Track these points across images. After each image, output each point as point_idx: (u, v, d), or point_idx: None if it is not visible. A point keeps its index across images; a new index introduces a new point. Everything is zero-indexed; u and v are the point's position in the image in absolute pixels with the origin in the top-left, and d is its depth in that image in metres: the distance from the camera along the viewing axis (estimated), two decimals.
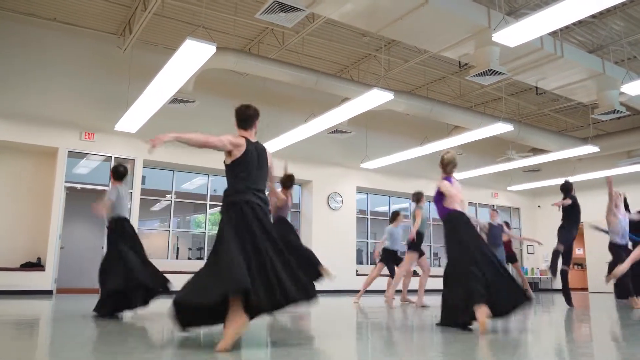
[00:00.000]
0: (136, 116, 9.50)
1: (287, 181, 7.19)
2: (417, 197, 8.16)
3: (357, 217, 13.77)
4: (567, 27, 9.49)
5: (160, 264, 10.40)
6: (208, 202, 12.11)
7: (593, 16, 9.23)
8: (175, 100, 9.43)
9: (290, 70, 10.15)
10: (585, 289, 16.01)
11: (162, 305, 4.82)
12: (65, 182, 10.10)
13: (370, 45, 10.75)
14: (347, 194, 13.60)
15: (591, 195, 16.19)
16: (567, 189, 8.39)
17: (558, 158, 13.65)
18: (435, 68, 11.81)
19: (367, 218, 14.43)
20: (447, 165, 5.16)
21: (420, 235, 7.88)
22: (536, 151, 14.36)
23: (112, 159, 10.59)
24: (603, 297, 12.44)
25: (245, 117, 4.01)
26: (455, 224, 4.81)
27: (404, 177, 13.93)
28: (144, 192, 11.15)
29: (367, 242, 14.63)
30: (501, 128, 11.12)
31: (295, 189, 13.64)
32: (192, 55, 7.24)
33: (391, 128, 13.99)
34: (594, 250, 15.88)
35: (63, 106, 10.12)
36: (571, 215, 8.29)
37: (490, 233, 9.69)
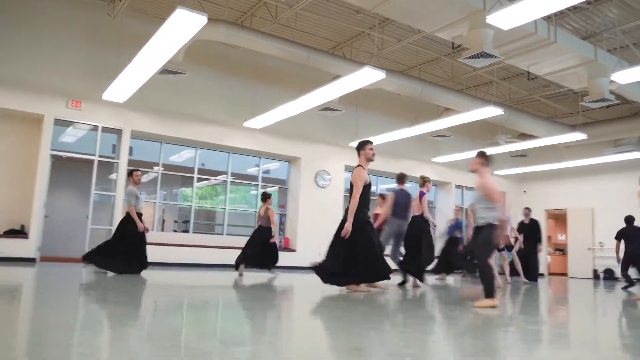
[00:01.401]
0: (124, 86, 9.37)
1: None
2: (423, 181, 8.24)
3: (344, 195, 13.79)
4: (561, 12, 9.46)
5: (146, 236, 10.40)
6: (195, 176, 12.05)
7: (588, 2, 9.21)
8: (165, 71, 9.29)
9: (282, 45, 10.03)
10: (565, 274, 16.28)
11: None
12: (51, 150, 9.97)
13: (364, 23, 10.64)
14: (336, 172, 13.60)
15: (576, 182, 16.42)
16: None
17: (546, 144, 13.73)
18: (428, 49, 11.75)
19: None
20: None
21: None
22: (524, 136, 14.43)
23: (99, 128, 10.47)
24: (580, 282, 12.69)
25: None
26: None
27: (392, 157, 13.94)
28: (131, 163, 11.04)
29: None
30: (491, 112, 11.13)
31: (284, 165, 13.62)
32: (183, 25, 7.10)
33: (382, 107, 13.95)
34: (575, 237, 16.13)
35: (50, 73, 9.94)
36: None
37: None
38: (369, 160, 6.40)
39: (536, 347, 2.83)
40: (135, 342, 2.48)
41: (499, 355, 2.53)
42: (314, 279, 6.01)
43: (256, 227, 9.22)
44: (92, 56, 10.32)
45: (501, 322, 3.95)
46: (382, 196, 9.15)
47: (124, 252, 7.54)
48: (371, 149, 6.43)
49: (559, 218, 18.15)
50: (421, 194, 7.92)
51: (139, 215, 7.78)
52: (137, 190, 7.86)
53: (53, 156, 10.19)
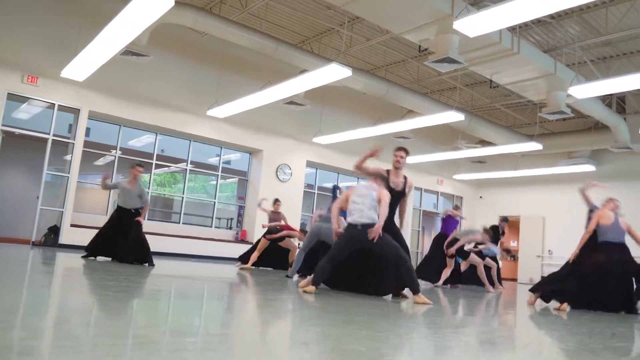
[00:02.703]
0: (85, 64, 9.06)
1: None
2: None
3: (304, 191, 13.80)
4: (525, 24, 9.70)
5: (99, 220, 10.18)
6: (154, 162, 11.81)
7: (551, 17, 9.47)
8: (128, 52, 9.05)
9: (251, 35, 9.93)
10: (515, 280, 16.75)
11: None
12: (2, 125, 9.57)
13: (334, 20, 10.65)
14: (297, 167, 13.59)
15: (530, 190, 16.91)
16: None
17: (503, 152, 14.08)
18: (395, 50, 11.86)
19: (314, 193, 14.49)
20: None
21: None
22: (484, 143, 14.77)
23: (56, 106, 10.13)
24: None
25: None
26: None
27: (354, 155, 13.92)
28: (87, 144, 10.75)
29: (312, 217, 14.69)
30: (453, 117, 11.33)
31: (245, 156, 13.52)
32: (149, 6, 6.91)
33: (346, 105, 14.00)
34: (526, 243, 16.62)
35: (5, 45, 9.53)
36: None
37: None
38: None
39: (483, 349, 2.89)
40: (77, 327, 2.41)
41: (443, 354, 2.56)
42: (271, 273, 5.97)
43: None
44: (53, 30, 9.95)
45: (452, 322, 4.02)
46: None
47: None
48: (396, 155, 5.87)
49: (512, 225, 18.61)
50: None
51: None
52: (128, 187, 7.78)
53: (4, 132, 9.79)
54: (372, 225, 4.99)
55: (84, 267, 6.14)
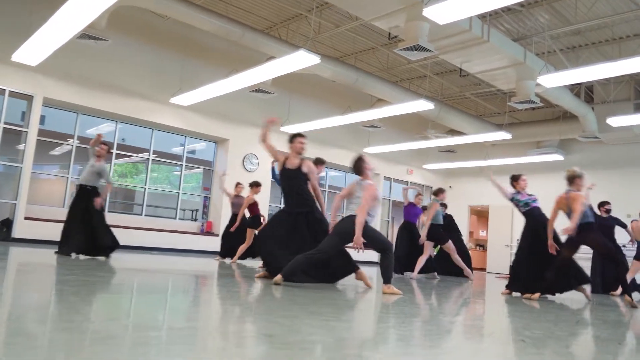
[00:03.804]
0: (38, 47, 8.53)
1: None
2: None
3: (271, 181, 13.50)
4: (496, 12, 9.59)
5: (55, 212, 9.71)
6: (115, 151, 11.33)
7: (521, 5, 9.37)
8: (85, 35, 8.59)
9: (216, 20, 9.56)
10: (484, 269, 16.86)
11: None
12: None
13: (302, 5, 10.33)
14: (264, 157, 13.25)
15: (499, 180, 16.94)
16: None
17: (473, 141, 14.05)
18: (365, 37, 11.61)
19: None
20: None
21: None
22: (454, 132, 14.70)
23: (6, 92, 9.57)
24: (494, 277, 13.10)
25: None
26: None
27: (324, 144, 13.78)
28: (42, 133, 10.23)
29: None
30: (423, 105, 11.19)
31: (210, 146, 13.14)
32: None
33: (315, 93, 13.71)
34: (495, 233, 16.71)
35: None
36: None
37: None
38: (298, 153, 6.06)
39: (449, 337, 2.81)
40: (31, 323, 2.24)
41: (408, 343, 2.52)
42: (236, 265, 5.74)
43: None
44: (1, 12, 9.36)
45: (419, 312, 3.88)
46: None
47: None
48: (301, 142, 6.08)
49: (481, 215, 18.75)
50: None
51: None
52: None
53: None
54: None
55: (40, 261, 5.84)
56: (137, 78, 11.03)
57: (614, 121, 11.20)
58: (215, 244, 11.34)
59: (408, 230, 9.62)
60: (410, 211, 9.77)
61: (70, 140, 10.90)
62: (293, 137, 6.14)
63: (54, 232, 9.43)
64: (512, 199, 6.71)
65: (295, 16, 10.97)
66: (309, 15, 10.52)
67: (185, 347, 1.95)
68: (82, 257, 7.00)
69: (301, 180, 5.85)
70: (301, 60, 8.75)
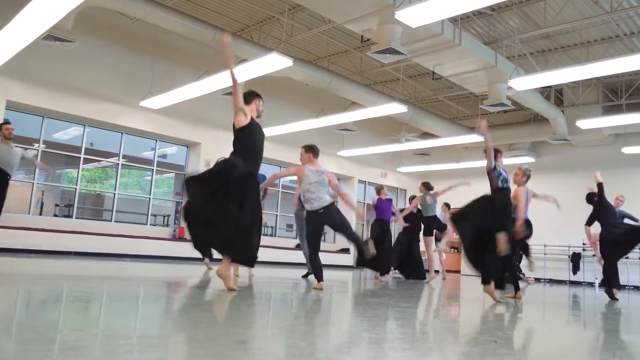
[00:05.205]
0: (0, 49, 8.26)
1: None
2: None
3: None
4: (467, 16, 9.64)
5: (20, 220, 9.41)
6: (82, 156, 11.03)
7: (492, 9, 9.44)
8: (50, 37, 8.35)
9: (187, 22, 9.41)
10: (459, 272, 16.95)
11: None
12: None
13: (274, 7, 10.23)
14: None
15: (473, 182, 17.08)
16: None
17: (446, 144, 14.13)
18: (338, 40, 11.57)
19: None
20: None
21: None
22: (427, 135, 14.76)
23: None
24: (470, 279, 13.17)
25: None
26: None
27: (296, 147, 13.61)
28: None
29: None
30: (396, 108, 11.20)
31: (182, 150, 12.92)
32: None
33: (288, 96, 13.60)
34: None
35: None
36: None
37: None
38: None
39: (421, 340, 2.73)
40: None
41: (382, 346, 2.47)
42: (205, 270, 5.61)
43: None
44: None
45: (393, 315, 3.83)
46: None
47: None
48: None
49: None
50: None
51: None
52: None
53: None
54: (330, 205, 5.65)
55: (3, 271, 5.58)
56: (105, 80, 10.78)
57: (583, 124, 11.40)
58: (187, 250, 11.14)
59: (382, 230, 9.43)
60: (382, 206, 9.52)
61: (36, 145, 10.57)
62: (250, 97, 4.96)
63: (20, 240, 9.19)
64: (494, 169, 5.93)
65: (267, 18, 10.87)
66: (281, 17, 10.42)
67: (155, 355, 1.94)
68: None
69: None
70: (274, 63, 8.68)
